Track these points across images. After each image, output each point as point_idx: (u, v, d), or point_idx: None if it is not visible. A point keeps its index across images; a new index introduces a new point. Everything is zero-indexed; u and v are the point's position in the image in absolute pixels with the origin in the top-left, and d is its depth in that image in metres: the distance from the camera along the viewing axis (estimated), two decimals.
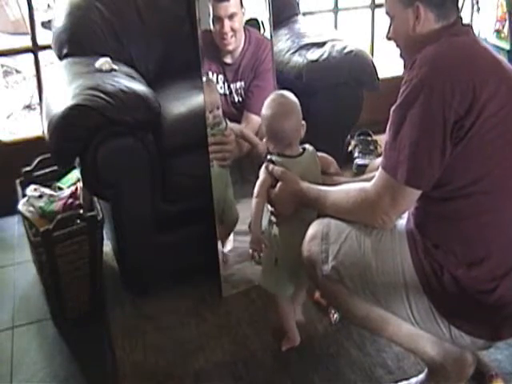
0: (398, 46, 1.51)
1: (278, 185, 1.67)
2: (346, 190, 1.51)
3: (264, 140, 1.78)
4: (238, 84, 2.16)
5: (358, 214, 1.47)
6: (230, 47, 2.12)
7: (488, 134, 1.32)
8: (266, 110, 1.75)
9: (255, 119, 2.08)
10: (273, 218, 1.77)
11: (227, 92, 2.16)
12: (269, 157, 1.74)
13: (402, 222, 1.48)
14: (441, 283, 1.38)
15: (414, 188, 1.36)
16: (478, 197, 1.36)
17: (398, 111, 1.35)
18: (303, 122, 1.76)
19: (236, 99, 2.17)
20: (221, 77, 2.15)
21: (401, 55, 1.51)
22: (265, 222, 1.79)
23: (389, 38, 1.51)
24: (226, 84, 2.15)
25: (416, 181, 1.35)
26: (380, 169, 1.40)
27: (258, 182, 1.74)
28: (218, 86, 2.14)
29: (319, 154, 1.81)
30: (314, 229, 1.57)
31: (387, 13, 1.49)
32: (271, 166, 1.70)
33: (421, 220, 1.44)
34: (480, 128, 1.31)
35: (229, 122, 2.07)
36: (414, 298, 1.42)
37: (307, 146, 1.78)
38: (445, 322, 1.42)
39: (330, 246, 1.51)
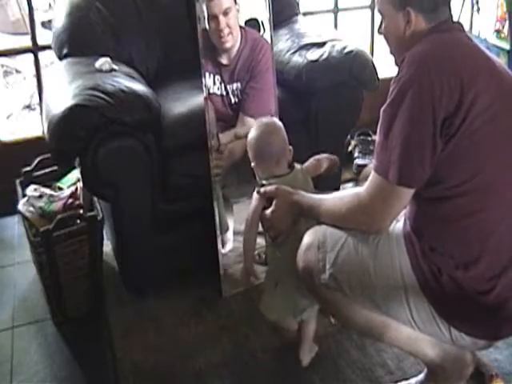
0: (388, 43, 1.51)
1: (274, 202, 1.64)
2: (340, 196, 1.50)
3: (253, 165, 1.76)
4: (235, 85, 2.16)
5: (352, 220, 1.46)
6: (228, 44, 2.11)
7: (478, 131, 1.32)
8: (251, 134, 1.77)
9: (250, 122, 2.06)
10: (270, 241, 1.74)
11: (224, 93, 2.16)
12: (259, 183, 1.73)
13: (399, 225, 1.48)
14: (440, 285, 1.38)
15: (406, 187, 1.35)
16: (470, 195, 1.35)
17: (388, 111, 1.35)
18: (290, 147, 1.76)
19: (232, 100, 2.17)
20: (217, 77, 2.14)
21: (391, 52, 1.51)
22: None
23: (380, 33, 1.51)
24: (222, 85, 2.15)
25: (408, 180, 1.34)
26: (372, 172, 1.40)
27: (251, 211, 1.70)
28: (215, 87, 2.14)
29: (316, 156, 1.83)
30: (309, 238, 1.55)
31: (379, 11, 1.49)
32: (263, 188, 1.67)
33: (416, 223, 1.44)
34: (470, 125, 1.31)
35: (221, 136, 2.05)
36: (413, 301, 1.42)
37: (295, 164, 1.78)
38: (445, 324, 1.41)
39: (326, 254, 1.50)
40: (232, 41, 2.11)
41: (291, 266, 1.62)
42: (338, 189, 2.43)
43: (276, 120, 1.83)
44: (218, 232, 2.09)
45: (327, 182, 1.95)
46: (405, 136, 1.31)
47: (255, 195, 1.70)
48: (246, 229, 1.72)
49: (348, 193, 1.48)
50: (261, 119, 1.83)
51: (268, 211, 1.65)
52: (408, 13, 1.39)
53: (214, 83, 2.14)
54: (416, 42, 1.38)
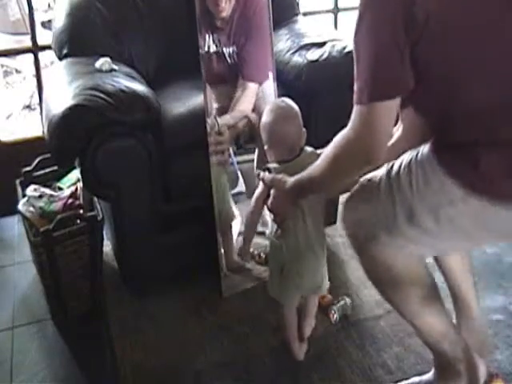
0: None
1: (272, 191, 1.66)
2: (327, 147, 1.44)
3: (265, 148, 1.76)
4: (231, 48, 2.18)
5: (346, 159, 1.39)
6: (224, 13, 2.13)
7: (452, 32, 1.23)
8: (266, 116, 1.75)
9: (252, 87, 2.14)
10: (276, 226, 1.74)
11: (221, 54, 2.18)
12: (262, 167, 1.73)
13: (423, 155, 1.40)
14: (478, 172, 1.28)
15: (380, 100, 1.28)
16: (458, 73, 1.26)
17: (354, 39, 1.32)
18: (304, 130, 1.75)
19: (229, 62, 2.19)
20: (215, 36, 2.17)
21: None
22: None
23: None
24: (219, 47, 2.17)
25: (379, 92, 1.28)
26: (354, 106, 1.35)
27: (255, 196, 1.74)
28: (214, 46, 2.17)
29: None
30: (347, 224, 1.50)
31: None
32: (262, 174, 1.69)
33: (432, 138, 1.38)
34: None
35: (219, 120, 2.06)
36: (463, 204, 1.31)
37: (306, 147, 1.77)
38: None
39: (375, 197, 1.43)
40: (229, 9, 2.13)
41: (294, 250, 1.65)
42: None
43: (292, 104, 1.77)
44: (218, 233, 2.09)
45: None
46: (370, 52, 1.27)
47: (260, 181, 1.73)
48: (248, 214, 1.75)
49: (333, 139, 1.42)
50: (277, 101, 1.79)
51: (269, 200, 1.67)
52: None
53: (213, 41, 2.16)
54: None
